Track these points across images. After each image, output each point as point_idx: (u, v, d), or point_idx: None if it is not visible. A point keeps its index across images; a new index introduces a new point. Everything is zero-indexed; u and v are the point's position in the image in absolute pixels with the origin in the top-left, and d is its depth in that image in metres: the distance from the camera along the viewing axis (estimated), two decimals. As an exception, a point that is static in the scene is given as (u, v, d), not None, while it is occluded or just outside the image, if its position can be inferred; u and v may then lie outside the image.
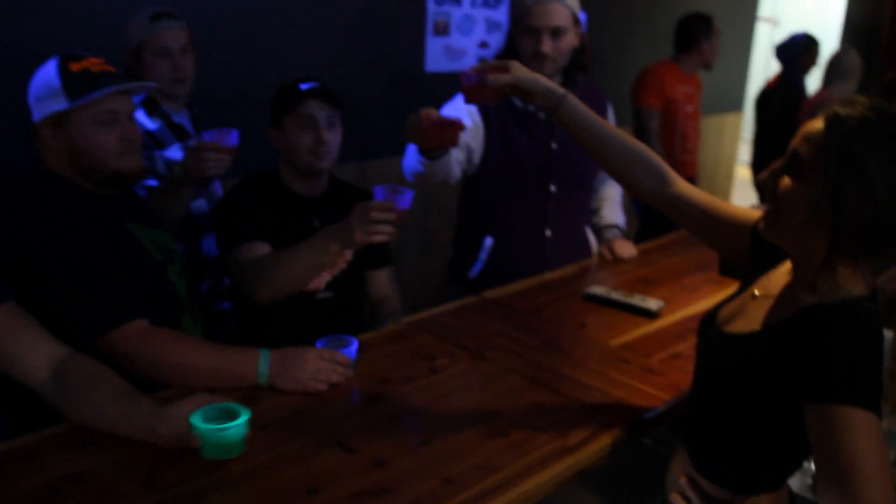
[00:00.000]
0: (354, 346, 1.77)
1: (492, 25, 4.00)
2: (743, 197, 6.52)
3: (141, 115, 2.24)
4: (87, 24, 2.59)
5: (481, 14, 3.94)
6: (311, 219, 2.10)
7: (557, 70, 2.31)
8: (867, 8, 6.65)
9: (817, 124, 1.17)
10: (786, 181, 1.20)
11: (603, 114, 2.44)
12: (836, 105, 1.16)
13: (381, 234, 1.72)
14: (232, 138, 2.00)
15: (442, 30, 3.78)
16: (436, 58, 3.79)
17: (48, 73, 1.66)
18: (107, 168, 1.70)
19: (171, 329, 1.70)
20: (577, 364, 1.86)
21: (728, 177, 6.29)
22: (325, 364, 1.68)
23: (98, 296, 1.61)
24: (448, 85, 3.75)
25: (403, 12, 3.62)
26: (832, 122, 1.15)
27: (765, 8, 7.31)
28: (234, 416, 1.36)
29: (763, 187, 1.25)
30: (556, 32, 2.24)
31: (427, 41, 3.73)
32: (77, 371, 1.48)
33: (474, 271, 2.48)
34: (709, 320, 1.45)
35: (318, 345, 1.76)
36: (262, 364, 1.64)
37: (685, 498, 1.37)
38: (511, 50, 2.33)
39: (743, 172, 6.75)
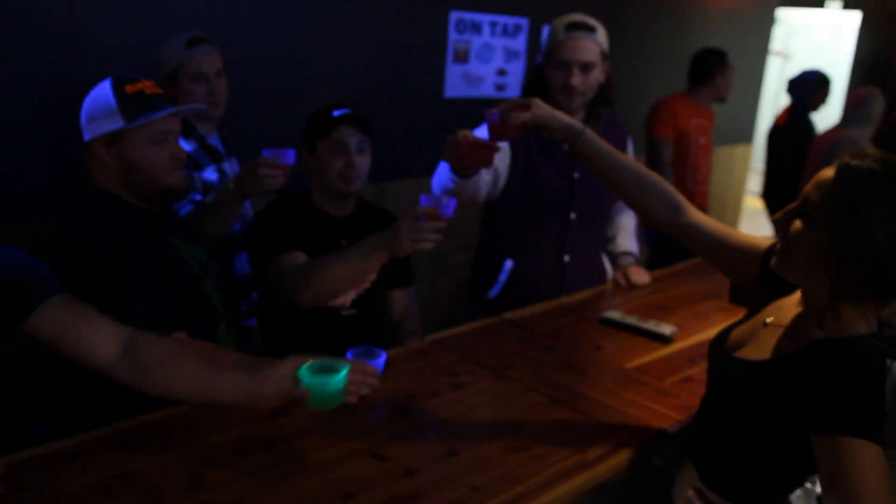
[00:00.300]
0: (383, 358, 1.83)
1: (510, 54, 4.09)
2: (751, 226, 6.59)
3: (178, 138, 2.32)
4: (116, 51, 2.66)
5: (500, 42, 4.03)
6: (339, 238, 2.16)
7: (584, 103, 2.39)
8: (877, 45, 6.75)
9: (829, 172, 1.26)
10: (797, 224, 1.29)
11: (623, 147, 2.52)
12: (847, 156, 1.25)
13: (428, 242, 1.75)
14: (289, 157, 2.05)
15: (462, 57, 3.87)
16: (455, 84, 3.88)
17: (104, 94, 1.74)
18: (157, 184, 1.78)
19: (206, 341, 1.78)
20: (594, 384, 1.93)
21: (737, 206, 6.35)
22: (355, 376, 1.75)
23: (142, 308, 1.68)
24: (466, 110, 3.88)
25: (425, 39, 3.71)
26: (842, 171, 1.24)
27: (776, 42, 7.41)
28: (332, 370, 1.48)
29: (777, 226, 1.35)
30: (586, 67, 2.32)
31: (447, 68, 3.82)
32: (155, 346, 1.51)
33: (493, 292, 2.54)
34: (719, 344, 1.53)
35: (348, 356, 1.83)
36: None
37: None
38: (539, 81, 2.41)
39: (751, 202, 6.82)
